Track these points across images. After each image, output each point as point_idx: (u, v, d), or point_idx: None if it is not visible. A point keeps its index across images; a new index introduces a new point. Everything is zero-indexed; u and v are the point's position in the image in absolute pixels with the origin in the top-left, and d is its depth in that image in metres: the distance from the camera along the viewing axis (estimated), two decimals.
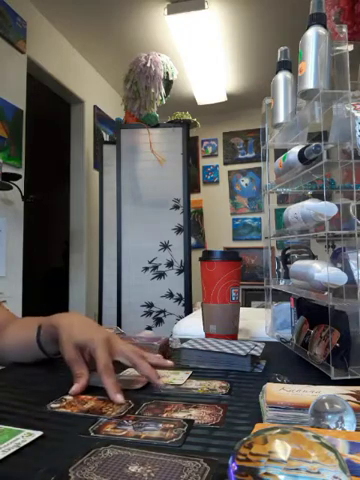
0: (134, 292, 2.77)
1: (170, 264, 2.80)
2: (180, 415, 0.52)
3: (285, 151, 0.93)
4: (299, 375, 0.68)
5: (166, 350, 0.85)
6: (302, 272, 0.83)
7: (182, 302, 2.77)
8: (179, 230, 2.82)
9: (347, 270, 0.72)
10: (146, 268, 2.79)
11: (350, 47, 0.73)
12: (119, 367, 0.73)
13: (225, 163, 4.87)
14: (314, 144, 0.76)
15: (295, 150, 0.86)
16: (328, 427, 0.42)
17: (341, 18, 1.36)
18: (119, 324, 2.69)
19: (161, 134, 2.89)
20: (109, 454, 0.40)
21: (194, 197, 4.11)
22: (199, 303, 1.12)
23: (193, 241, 4.37)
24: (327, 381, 0.63)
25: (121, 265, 2.80)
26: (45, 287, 3.30)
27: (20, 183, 2.52)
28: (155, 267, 2.79)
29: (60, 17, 2.98)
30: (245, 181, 4.77)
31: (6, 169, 2.37)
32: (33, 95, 2.80)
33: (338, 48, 0.75)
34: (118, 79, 3.16)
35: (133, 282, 2.78)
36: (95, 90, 3.79)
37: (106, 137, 3.81)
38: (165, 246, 2.81)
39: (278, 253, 1.19)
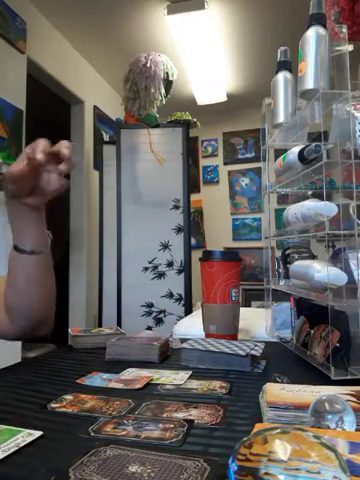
0: (134, 292, 2.77)
1: (170, 264, 2.79)
2: (180, 415, 0.52)
3: (285, 151, 0.93)
4: (299, 375, 0.68)
5: (166, 350, 0.85)
6: (302, 272, 0.83)
7: (182, 302, 2.77)
8: (179, 230, 2.82)
9: (347, 270, 0.72)
10: (146, 268, 2.79)
11: (350, 47, 0.73)
12: (119, 367, 0.73)
13: (225, 163, 4.86)
14: (314, 144, 0.76)
15: (295, 150, 0.86)
16: (328, 427, 0.42)
17: (341, 18, 1.36)
18: (119, 324, 2.69)
19: (161, 134, 2.88)
20: (109, 454, 0.40)
21: (194, 197, 4.11)
22: (199, 303, 1.11)
23: (193, 241, 4.36)
24: (327, 381, 0.63)
25: (121, 265, 2.80)
26: None
27: None
28: (155, 267, 2.79)
29: (60, 17, 2.98)
30: (245, 181, 4.77)
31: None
32: (33, 95, 2.80)
33: (338, 48, 0.74)
34: (118, 79, 3.16)
35: (133, 282, 2.78)
36: (95, 90, 3.79)
37: (106, 137, 3.81)
38: (165, 246, 2.81)
39: (278, 253, 1.19)
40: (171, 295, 2.79)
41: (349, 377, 0.63)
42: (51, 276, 0.71)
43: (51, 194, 0.64)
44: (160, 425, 0.48)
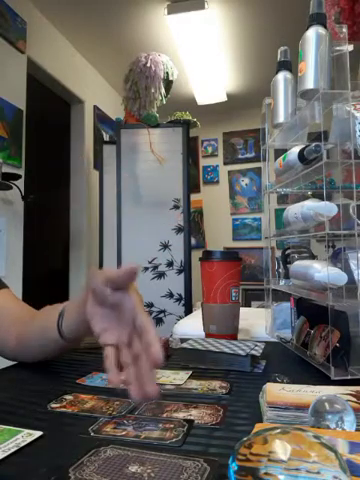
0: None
1: (170, 264, 2.79)
2: (180, 415, 0.52)
3: (285, 151, 0.93)
4: (299, 375, 0.68)
5: (166, 350, 0.85)
6: (302, 272, 0.83)
7: (182, 302, 2.77)
8: (179, 230, 2.82)
9: (347, 270, 0.72)
10: (146, 268, 2.79)
11: (350, 47, 0.73)
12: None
13: (225, 163, 4.87)
14: (314, 144, 0.76)
15: (295, 150, 0.86)
16: (328, 427, 0.42)
17: (341, 18, 1.36)
18: None
19: (161, 134, 2.88)
20: (109, 454, 0.40)
21: (194, 197, 4.11)
22: (199, 303, 1.11)
23: (193, 241, 4.36)
24: (327, 381, 0.63)
25: (121, 265, 2.80)
26: (45, 287, 3.30)
27: (20, 183, 2.52)
28: (155, 267, 2.79)
29: (60, 17, 2.98)
30: (245, 181, 4.77)
31: (6, 169, 2.37)
32: (33, 95, 2.80)
33: (338, 48, 0.75)
34: (118, 79, 3.16)
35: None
36: (95, 90, 3.79)
37: (106, 137, 3.81)
38: (165, 246, 2.81)
39: (278, 253, 1.19)
40: (171, 295, 2.79)
41: (349, 377, 0.63)
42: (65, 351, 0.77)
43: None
44: (160, 425, 0.48)
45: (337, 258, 0.79)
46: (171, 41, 3.16)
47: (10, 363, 0.77)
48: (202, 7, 2.73)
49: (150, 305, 2.77)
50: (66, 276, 3.47)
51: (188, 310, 2.75)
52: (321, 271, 0.74)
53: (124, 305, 0.54)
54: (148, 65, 2.75)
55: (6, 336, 0.74)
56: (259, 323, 1.12)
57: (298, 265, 0.88)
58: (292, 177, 0.91)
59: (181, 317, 2.55)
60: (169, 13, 2.80)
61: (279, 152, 1.01)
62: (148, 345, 0.48)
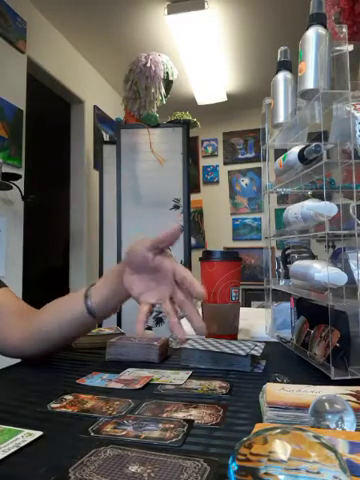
0: None
1: None
2: (180, 415, 0.52)
3: (285, 151, 0.93)
4: (299, 375, 0.68)
5: (166, 350, 0.85)
6: (302, 272, 0.83)
7: None
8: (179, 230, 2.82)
9: (347, 270, 0.72)
10: None
11: (350, 47, 0.73)
12: (119, 367, 0.73)
13: (225, 163, 4.87)
14: (314, 144, 0.76)
15: (295, 150, 0.86)
16: (328, 427, 0.42)
17: (341, 18, 1.36)
18: (119, 324, 2.69)
19: (161, 134, 2.88)
20: (109, 454, 0.40)
21: (194, 197, 4.11)
22: (199, 303, 1.11)
23: (193, 241, 4.36)
24: (327, 381, 0.63)
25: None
26: (45, 287, 3.30)
27: (20, 183, 2.52)
28: None
29: (60, 17, 2.98)
30: (245, 181, 4.77)
31: (6, 169, 2.37)
32: (33, 95, 2.80)
33: (338, 48, 0.74)
34: (118, 79, 3.16)
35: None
36: (95, 90, 3.79)
37: (106, 137, 3.81)
38: None
39: (278, 253, 1.19)
40: None
41: (349, 377, 0.63)
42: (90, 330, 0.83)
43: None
44: (160, 425, 0.48)
45: (337, 258, 0.79)
46: (171, 41, 3.16)
47: (10, 363, 0.77)
48: (202, 7, 2.73)
49: None
50: (66, 276, 3.47)
51: None
52: (321, 271, 0.74)
53: (163, 266, 0.62)
54: (148, 65, 2.75)
55: (7, 333, 0.75)
56: (259, 323, 1.12)
57: (298, 265, 0.88)
58: (292, 177, 0.91)
59: (181, 317, 2.55)
60: (169, 13, 2.80)
61: (279, 152, 1.01)
62: (191, 285, 0.59)
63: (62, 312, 0.74)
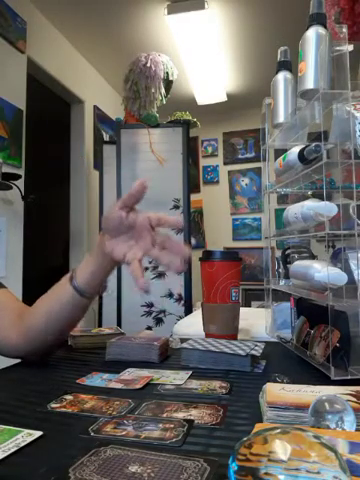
0: (134, 292, 2.77)
1: None
2: (180, 415, 0.52)
3: (285, 151, 0.93)
4: (299, 375, 0.68)
5: (166, 350, 0.85)
6: (302, 272, 0.83)
7: (182, 302, 2.77)
8: (179, 230, 2.82)
9: (347, 270, 0.72)
10: (146, 268, 2.78)
11: (350, 47, 0.73)
12: (119, 367, 0.73)
13: (225, 163, 4.87)
14: (314, 144, 0.76)
15: (295, 150, 0.86)
16: (328, 427, 0.42)
17: (341, 18, 1.36)
18: (119, 324, 2.69)
19: (161, 134, 2.88)
20: (109, 454, 0.40)
21: (194, 197, 4.10)
22: (199, 303, 1.12)
23: (193, 241, 4.36)
24: (327, 381, 0.63)
25: (121, 265, 2.80)
26: (45, 287, 3.30)
27: (20, 183, 2.51)
28: (155, 267, 2.79)
29: (60, 17, 2.98)
30: (245, 181, 4.77)
31: (6, 169, 2.37)
32: (33, 95, 2.80)
33: (338, 48, 0.74)
34: (118, 79, 3.16)
35: (133, 282, 2.78)
36: (95, 90, 3.79)
37: (106, 137, 3.81)
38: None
39: (278, 253, 1.19)
40: (171, 295, 2.79)
41: (349, 377, 0.63)
42: (83, 316, 0.79)
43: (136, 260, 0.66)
44: (160, 425, 0.48)
45: (337, 258, 0.79)
46: (171, 41, 3.16)
47: (10, 363, 0.77)
48: (202, 7, 2.73)
49: (150, 305, 2.77)
50: None
51: (188, 310, 2.74)
52: (321, 271, 0.74)
53: (138, 220, 0.66)
54: (148, 65, 2.75)
55: (7, 333, 0.75)
56: (259, 323, 1.12)
57: (298, 265, 0.88)
58: (292, 177, 0.91)
59: (181, 317, 2.55)
60: (169, 13, 2.80)
61: (279, 152, 1.01)
62: (167, 221, 0.65)
63: (51, 305, 0.74)
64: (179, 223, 0.65)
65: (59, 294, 0.74)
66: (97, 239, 0.73)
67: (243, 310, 1.03)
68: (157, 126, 2.87)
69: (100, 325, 2.97)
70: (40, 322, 0.74)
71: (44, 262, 3.06)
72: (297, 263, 0.90)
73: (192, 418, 0.51)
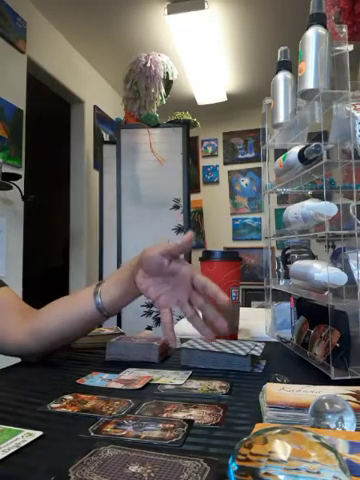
0: None
1: None
2: (180, 415, 0.52)
3: (285, 151, 0.93)
4: (299, 375, 0.68)
5: (166, 350, 0.85)
6: (302, 272, 0.83)
7: None
8: (179, 230, 2.81)
9: (347, 270, 0.72)
10: None
11: (350, 47, 0.73)
12: (119, 367, 0.73)
13: (225, 163, 4.87)
14: (314, 144, 0.76)
15: (295, 150, 0.86)
16: (328, 427, 0.42)
17: (341, 18, 1.36)
18: (119, 324, 2.69)
19: (161, 134, 2.88)
20: (109, 454, 0.40)
21: (194, 197, 4.10)
22: None
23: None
24: (327, 381, 0.63)
25: (121, 265, 2.80)
26: (45, 287, 3.31)
27: (20, 183, 2.52)
28: None
29: (60, 17, 2.98)
30: (245, 181, 4.77)
31: (6, 169, 2.37)
32: (33, 95, 2.80)
33: (338, 48, 0.74)
34: (118, 79, 3.16)
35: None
36: (95, 90, 3.79)
37: (106, 137, 3.81)
38: None
39: (278, 253, 1.19)
40: None
41: (349, 377, 0.63)
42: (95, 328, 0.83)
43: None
44: (160, 425, 0.48)
45: (337, 258, 0.79)
46: (171, 41, 3.16)
47: (10, 363, 0.77)
48: (202, 7, 2.73)
49: (150, 305, 2.77)
50: (66, 276, 3.47)
51: None
52: (321, 271, 0.74)
53: (181, 271, 0.65)
54: (148, 65, 2.75)
55: (10, 330, 0.75)
56: (259, 323, 1.12)
57: (298, 265, 0.88)
58: (292, 177, 0.91)
59: (181, 317, 2.55)
60: (169, 13, 2.80)
61: (279, 152, 1.01)
62: (215, 294, 0.63)
63: (68, 312, 0.75)
64: (223, 300, 0.62)
65: (79, 304, 0.74)
66: (129, 262, 0.72)
67: (243, 310, 1.03)
68: (157, 126, 2.87)
69: (100, 325, 2.96)
70: (53, 325, 0.74)
71: (44, 262, 3.06)
72: (297, 263, 0.90)
73: (192, 418, 0.51)
